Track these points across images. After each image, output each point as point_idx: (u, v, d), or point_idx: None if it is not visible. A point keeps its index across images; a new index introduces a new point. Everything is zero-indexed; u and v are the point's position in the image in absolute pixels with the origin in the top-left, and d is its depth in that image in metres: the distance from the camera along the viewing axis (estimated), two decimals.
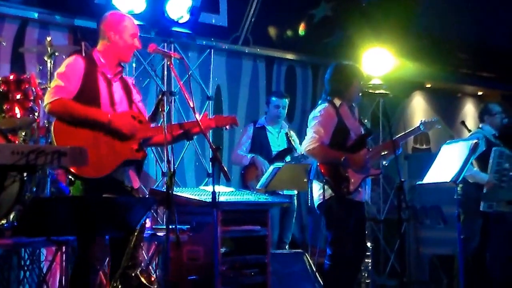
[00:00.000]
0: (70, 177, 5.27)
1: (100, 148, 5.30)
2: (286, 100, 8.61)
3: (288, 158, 8.27)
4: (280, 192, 8.12)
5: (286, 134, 8.58)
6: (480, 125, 8.71)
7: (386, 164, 7.08)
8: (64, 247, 6.45)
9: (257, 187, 7.70)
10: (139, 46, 5.68)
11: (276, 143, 8.51)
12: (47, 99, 5.30)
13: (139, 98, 5.77)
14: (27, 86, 6.51)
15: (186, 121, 5.78)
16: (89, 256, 5.21)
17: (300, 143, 7.03)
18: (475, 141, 7.22)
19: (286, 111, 8.63)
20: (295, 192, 8.36)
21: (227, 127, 5.87)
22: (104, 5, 7.95)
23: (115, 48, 5.55)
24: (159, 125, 5.72)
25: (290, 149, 8.41)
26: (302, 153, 7.93)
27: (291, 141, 8.50)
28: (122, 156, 5.40)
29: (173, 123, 5.83)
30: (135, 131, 5.41)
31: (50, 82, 7.08)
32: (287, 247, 8.34)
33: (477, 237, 8.41)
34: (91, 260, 5.26)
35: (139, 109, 5.69)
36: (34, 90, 6.53)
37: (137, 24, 5.72)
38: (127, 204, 4.88)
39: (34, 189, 6.49)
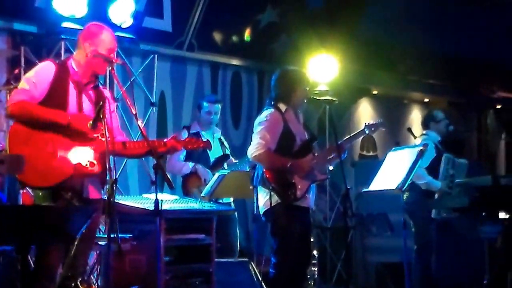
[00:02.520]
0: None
1: (54, 158, 5.23)
2: (219, 105, 8.33)
3: (225, 165, 8.11)
4: (220, 200, 7.93)
5: (220, 139, 8.37)
6: (425, 132, 8.71)
7: (332, 169, 7.02)
8: (1, 258, 6.30)
9: (201, 195, 7.57)
10: (116, 60, 5.60)
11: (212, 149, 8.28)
12: (9, 101, 5.30)
13: (112, 108, 5.64)
14: None
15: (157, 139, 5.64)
16: (46, 264, 5.23)
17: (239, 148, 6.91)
18: (421, 148, 7.18)
19: (218, 116, 8.34)
20: (231, 199, 8.19)
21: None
22: (44, 9, 7.78)
23: (88, 59, 5.49)
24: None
25: (227, 155, 8.23)
26: (235, 161, 7.83)
27: (225, 146, 8.34)
28: (72, 170, 5.28)
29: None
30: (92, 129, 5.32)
31: None
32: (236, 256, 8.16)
33: (432, 244, 8.38)
34: (48, 267, 5.25)
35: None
36: None
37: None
38: (65, 213, 4.80)
39: None
